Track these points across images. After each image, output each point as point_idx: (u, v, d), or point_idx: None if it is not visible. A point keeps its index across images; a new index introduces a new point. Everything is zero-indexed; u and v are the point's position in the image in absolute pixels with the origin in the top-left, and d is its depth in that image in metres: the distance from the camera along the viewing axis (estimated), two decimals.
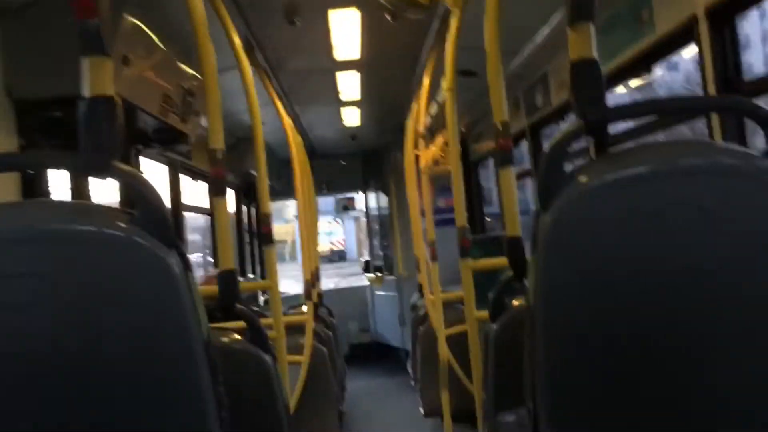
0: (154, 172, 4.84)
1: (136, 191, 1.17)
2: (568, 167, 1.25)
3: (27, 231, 1.10)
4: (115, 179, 1.21)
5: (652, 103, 1.34)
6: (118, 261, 1.11)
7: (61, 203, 1.30)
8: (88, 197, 3.07)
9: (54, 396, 1.11)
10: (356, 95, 5.78)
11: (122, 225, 1.13)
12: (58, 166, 1.68)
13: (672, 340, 1.18)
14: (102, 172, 1.20)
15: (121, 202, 3.23)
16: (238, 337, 1.95)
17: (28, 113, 2.65)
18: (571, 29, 1.28)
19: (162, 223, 1.15)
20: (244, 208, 7.65)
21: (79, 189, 3.06)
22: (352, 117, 6.79)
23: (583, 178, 1.20)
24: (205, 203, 5.87)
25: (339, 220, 26.05)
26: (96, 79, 1.24)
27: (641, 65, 3.05)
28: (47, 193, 2.84)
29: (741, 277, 1.17)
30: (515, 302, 2.07)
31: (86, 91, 1.24)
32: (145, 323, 1.12)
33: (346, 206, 10.22)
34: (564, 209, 1.18)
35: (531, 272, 1.26)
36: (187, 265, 1.18)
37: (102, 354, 1.12)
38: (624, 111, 1.28)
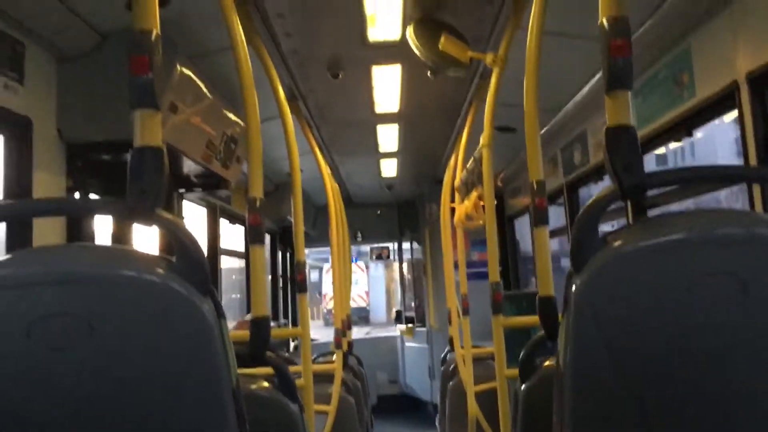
0: (193, 214, 4.95)
1: (176, 239, 1.21)
2: (605, 228, 1.26)
3: (68, 273, 1.14)
4: (158, 226, 1.25)
5: (691, 171, 1.34)
6: (155, 306, 1.14)
7: (103, 248, 1.34)
8: (130, 242, 3.15)
9: None
10: (394, 147, 5.85)
11: (160, 271, 1.16)
12: (104, 212, 1.74)
13: (699, 411, 1.16)
14: (146, 219, 1.24)
15: (161, 249, 3.31)
16: (267, 384, 1.96)
17: (77, 156, 2.75)
18: (608, 96, 1.30)
19: (199, 271, 1.18)
20: (279, 254, 7.72)
21: (122, 234, 3.14)
22: (389, 168, 6.86)
23: (616, 243, 1.20)
24: (239, 244, 5.96)
25: (362, 265, 20.82)
26: (145, 130, 1.30)
27: (681, 130, 3.04)
28: (92, 237, 2.92)
29: None
30: (546, 362, 2.05)
31: (136, 141, 1.30)
32: (177, 368, 1.14)
33: (380, 255, 10.22)
34: (596, 273, 1.18)
35: (561, 333, 1.25)
36: (220, 312, 1.21)
37: (133, 396, 1.14)
38: (661, 177, 1.29)
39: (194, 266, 1.19)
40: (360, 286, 21.29)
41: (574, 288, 1.20)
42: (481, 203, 4.30)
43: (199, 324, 1.15)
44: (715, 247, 1.17)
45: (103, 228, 3.08)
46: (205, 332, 1.15)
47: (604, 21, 1.30)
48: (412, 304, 9.51)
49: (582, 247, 1.21)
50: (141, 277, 1.15)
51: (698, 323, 1.15)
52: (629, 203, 2.74)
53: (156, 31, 1.35)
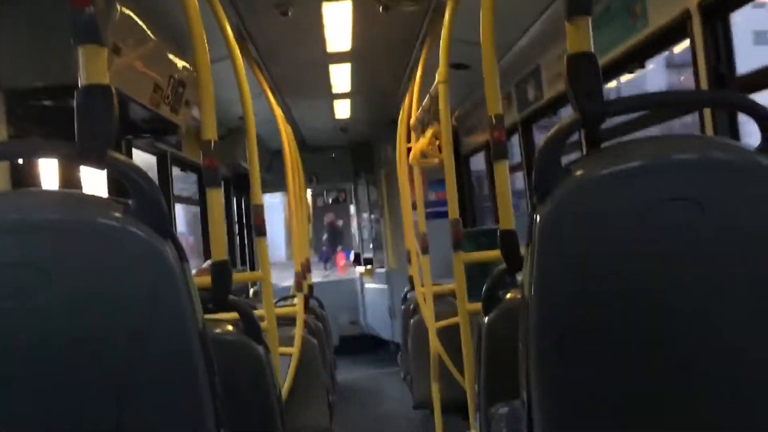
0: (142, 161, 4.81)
1: (131, 181, 1.16)
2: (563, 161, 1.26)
3: (21, 221, 1.09)
4: (111, 169, 1.20)
5: (648, 97, 1.35)
6: (114, 251, 1.10)
7: (55, 193, 1.29)
8: (80, 187, 3.05)
9: (48, 384, 1.11)
10: (347, 87, 5.76)
11: (117, 215, 1.12)
12: (53, 155, 1.66)
13: (665, 332, 1.19)
14: (98, 162, 1.18)
15: (110, 192, 3.22)
16: (231, 328, 1.95)
17: (17, 103, 2.63)
18: (568, 23, 1.28)
19: (158, 214, 1.15)
20: (234, 200, 7.63)
21: (70, 179, 3.03)
22: (343, 109, 6.77)
23: (578, 172, 1.20)
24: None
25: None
26: (91, 68, 1.23)
27: (634, 60, 3.05)
28: (38, 183, 2.82)
29: (735, 268, 1.18)
30: (508, 295, 2.07)
31: (81, 80, 1.23)
32: (141, 312, 1.12)
33: (337, 199, 10.20)
34: (560, 203, 1.19)
35: (525, 265, 1.26)
36: (182, 255, 1.18)
37: (97, 343, 1.12)
38: (621, 104, 1.29)
39: (152, 209, 1.15)
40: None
41: (538, 218, 1.20)
42: (437, 141, 4.29)
43: (162, 267, 1.12)
44: (672, 171, 1.19)
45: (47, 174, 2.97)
46: (168, 275, 1.12)
47: None
48: (370, 246, 9.57)
49: (545, 178, 1.21)
50: (99, 222, 1.11)
51: (660, 247, 1.18)
52: (583, 135, 2.76)
53: None
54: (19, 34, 2.57)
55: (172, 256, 1.14)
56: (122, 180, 1.18)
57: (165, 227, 1.15)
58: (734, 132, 2.36)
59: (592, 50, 1.27)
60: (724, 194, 1.18)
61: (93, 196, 1.19)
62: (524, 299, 1.26)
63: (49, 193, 1.30)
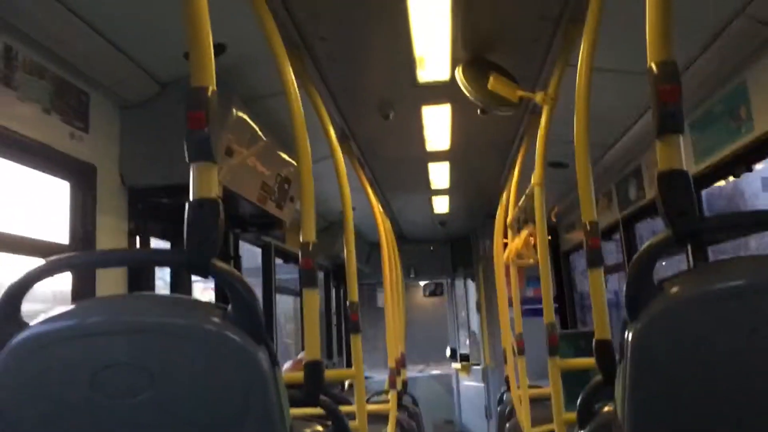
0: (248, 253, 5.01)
1: (232, 289, 1.24)
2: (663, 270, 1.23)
3: (130, 323, 1.17)
4: (215, 277, 1.28)
5: (747, 216, 1.31)
6: (212, 355, 1.16)
7: (163, 297, 1.38)
8: (189, 291, 3.22)
9: None
10: (446, 184, 5.86)
11: (216, 320, 1.19)
12: (162, 264, 1.79)
13: None
14: (203, 271, 1.27)
15: (217, 298, 3.37)
16: (320, 429, 1.96)
17: (138, 199, 2.85)
18: (658, 140, 1.28)
19: (254, 319, 1.21)
20: (333, 290, 7.76)
21: (181, 283, 3.21)
22: (441, 204, 6.86)
23: (673, 290, 1.17)
24: None
25: None
26: (203, 183, 1.34)
27: (740, 164, 2.96)
28: (152, 284, 3.00)
29: None
30: (605, 408, 1.99)
31: (193, 194, 1.34)
32: (232, 416, 1.16)
33: (434, 292, 10.16)
34: (652, 320, 1.15)
35: (618, 381, 1.23)
36: (274, 360, 1.23)
37: None
38: (716, 222, 1.26)
39: (249, 315, 1.21)
40: None
41: (630, 336, 1.17)
42: (533, 240, 4.25)
43: (254, 372, 1.16)
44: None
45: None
46: (259, 380, 1.16)
47: (653, 66, 1.28)
48: (466, 342, 9.39)
49: (637, 293, 1.19)
50: (198, 326, 1.17)
51: (761, 371, 1.11)
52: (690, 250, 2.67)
53: (212, 87, 1.40)
54: (144, 136, 2.81)
55: (265, 361, 1.18)
56: (224, 287, 1.26)
57: (260, 333, 1.20)
58: None
59: (684, 167, 1.26)
60: None
61: (197, 301, 1.28)
62: (617, 419, 1.21)
63: (158, 298, 1.39)
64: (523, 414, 3.97)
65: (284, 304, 7.17)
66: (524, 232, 4.21)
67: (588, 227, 2.07)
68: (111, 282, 2.61)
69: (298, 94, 2.23)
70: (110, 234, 2.64)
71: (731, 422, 1.12)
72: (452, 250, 8.96)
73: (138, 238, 2.90)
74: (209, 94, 1.38)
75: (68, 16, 2.17)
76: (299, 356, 4.73)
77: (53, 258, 1.30)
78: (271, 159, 3.62)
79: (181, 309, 1.23)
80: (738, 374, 1.12)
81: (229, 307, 1.23)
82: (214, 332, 1.17)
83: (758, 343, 1.11)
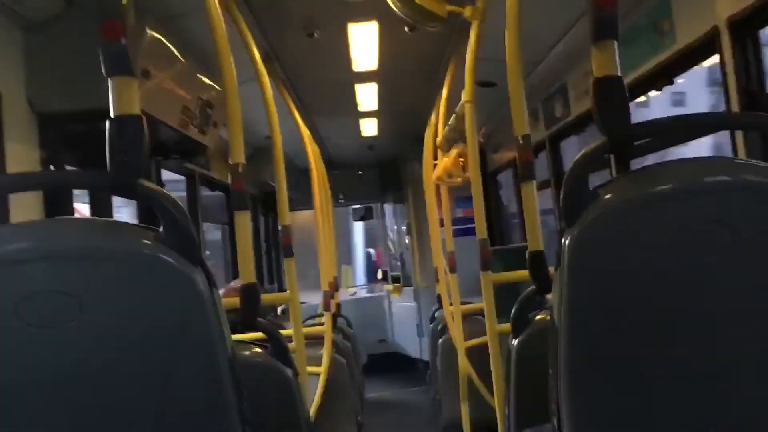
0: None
1: (163, 210, 1.18)
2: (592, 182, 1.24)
3: (53, 248, 1.11)
4: (143, 198, 1.22)
5: (677, 120, 1.33)
6: (145, 279, 1.11)
7: (86, 221, 1.31)
8: (111, 215, 3.09)
9: (78, 410, 1.12)
10: (374, 106, 5.79)
11: (148, 243, 1.13)
12: (84, 186, 1.70)
13: (697, 358, 1.17)
14: (129, 191, 1.20)
15: (141, 219, 3.26)
16: (259, 350, 1.95)
17: (50, 127, 2.68)
18: (594, 46, 1.26)
19: (188, 242, 1.16)
20: (261, 219, 7.68)
21: (101, 206, 3.08)
22: (369, 127, 6.80)
23: (607, 196, 1.19)
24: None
25: None
26: (123, 98, 1.25)
27: (663, 77, 3.02)
28: (71, 211, 2.86)
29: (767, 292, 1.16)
30: (538, 317, 2.05)
31: (113, 111, 1.25)
32: (171, 340, 1.12)
33: (364, 216, 10.20)
34: (588, 226, 1.17)
35: (555, 288, 1.25)
36: (212, 281, 1.19)
37: (127, 370, 1.12)
38: (648, 127, 1.27)
39: (183, 237, 1.16)
40: None
41: (566, 242, 1.18)
42: (461, 160, 4.27)
43: (192, 294, 1.13)
44: (704, 195, 1.17)
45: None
46: (198, 303, 1.13)
47: None
48: (398, 263, 9.55)
49: (573, 201, 1.20)
50: (131, 250, 1.12)
51: (691, 272, 1.15)
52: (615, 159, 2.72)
53: None
54: (51, 59, 2.62)
55: (202, 282, 1.14)
56: (153, 208, 1.19)
57: (195, 254, 1.16)
58: (767, 153, 2.32)
59: (618, 73, 1.25)
60: (757, 216, 1.15)
61: (124, 224, 1.21)
62: (553, 323, 1.24)
63: (80, 221, 1.32)
64: (456, 329, 4.08)
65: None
66: (454, 151, 4.22)
67: (520, 141, 2.08)
68: (26, 211, 2.47)
69: (220, 12, 2.11)
70: (20, 163, 2.49)
71: (665, 322, 1.16)
72: (381, 174, 8.97)
73: (52, 167, 2.74)
74: (124, 1, 1.27)
75: None
76: (231, 284, 4.68)
77: None
78: (190, 82, 3.46)
79: (110, 232, 1.17)
80: (669, 276, 1.15)
81: (161, 229, 1.17)
82: (147, 255, 1.11)
83: (688, 245, 1.14)
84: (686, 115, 1.32)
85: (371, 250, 12.46)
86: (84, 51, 2.51)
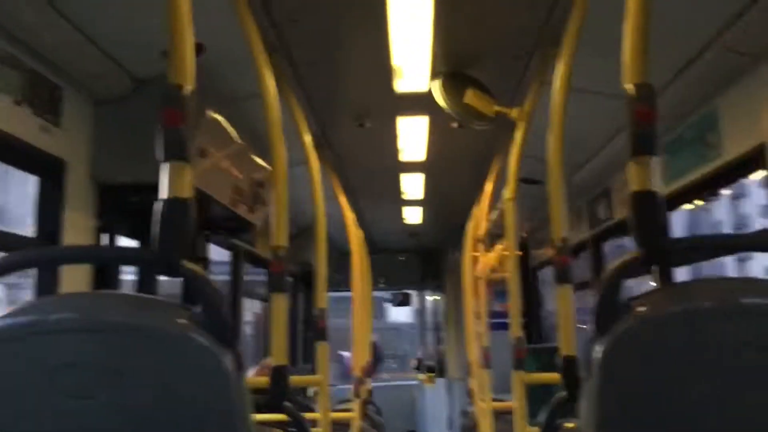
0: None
1: (200, 291, 1.22)
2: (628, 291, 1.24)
3: (93, 321, 1.15)
4: (184, 278, 1.26)
5: (716, 238, 1.33)
6: (175, 356, 1.14)
7: (128, 296, 1.35)
8: (155, 292, 3.17)
9: None
10: (419, 195, 5.87)
11: (181, 321, 1.17)
12: (130, 263, 1.76)
13: None
14: (173, 271, 1.25)
15: (184, 299, 3.33)
16: None
17: (108, 197, 2.80)
18: (631, 161, 1.30)
19: (221, 323, 1.19)
20: (302, 295, 7.71)
21: (148, 283, 3.16)
22: (413, 215, 6.87)
23: (640, 309, 1.19)
24: None
25: None
26: (175, 182, 1.31)
27: (708, 188, 3.02)
28: (117, 283, 2.95)
29: None
30: (568, 425, 2.01)
31: (163, 192, 1.31)
32: (194, 419, 1.14)
33: (402, 301, 10.15)
34: (619, 339, 1.17)
35: (583, 398, 1.23)
36: (240, 364, 1.21)
37: None
38: (686, 243, 1.28)
39: (217, 318, 1.19)
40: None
41: (596, 353, 1.18)
42: (505, 253, 4.27)
43: (218, 376, 1.15)
44: (740, 316, 1.16)
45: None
46: (223, 384, 1.15)
47: (630, 87, 1.30)
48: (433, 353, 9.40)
49: (605, 311, 1.20)
50: (163, 327, 1.15)
51: (723, 393, 1.13)
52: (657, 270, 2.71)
53: (190, 86, 1.38)
54: (117, 134, 2.77)
55: (230, 365, 1.16)
56: (191, 288, 1.24)
57: (228, 336, 1.18)
58: None
59: (656, 189, 1.27)
60: None
61: (164, 302, 1.25)
62: None
63: (124, 296, 1.36)
64: (486, 426, 3.98)
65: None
66: (499, 246, 4.23)
67: (558, 244, 2.09)
68: (76, 280, 2.56)
69: (276, 97, 2.22)
70: (77, 230, 2.59)
71: None
72: (422, 261, 8.98)
73: (106, 235, 2.86)
74: (187, 92, 1.36)
75: (43, 7, 2.14)
76: (266, 360, 4.68)
77: (13, 253, 1.27)
78: (244, 162, 3.59)
79: (146, 309, 1.21)
80: (700, 395, 1.13)
81: (197, 309, 1.21)
82: (179, 334, 1.15)
83: (721, 365, 1.13)
84: (724, 234, 1.32)
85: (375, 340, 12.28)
86: (147, 129, 2.65)
